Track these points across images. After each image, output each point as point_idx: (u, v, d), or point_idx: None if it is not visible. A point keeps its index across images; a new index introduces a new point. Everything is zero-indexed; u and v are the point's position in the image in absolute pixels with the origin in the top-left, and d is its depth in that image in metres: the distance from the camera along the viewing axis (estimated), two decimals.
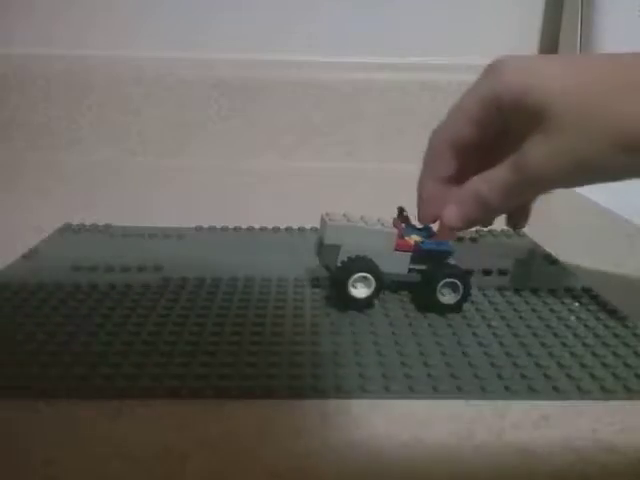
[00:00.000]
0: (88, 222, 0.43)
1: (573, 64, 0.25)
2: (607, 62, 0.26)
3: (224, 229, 0.43)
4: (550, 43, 0.69)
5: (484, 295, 0.33)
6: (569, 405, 0.23)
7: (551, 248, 0.41)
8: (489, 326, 0.29)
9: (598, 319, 0.30)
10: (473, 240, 0.42)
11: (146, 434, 0.21)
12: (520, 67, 0.26)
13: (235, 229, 0.43)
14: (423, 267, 0.31)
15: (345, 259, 0.30)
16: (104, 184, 0.58)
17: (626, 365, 0.26)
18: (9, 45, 0.67)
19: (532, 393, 0.24)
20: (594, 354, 0.27)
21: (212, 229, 0.43)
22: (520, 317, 0.30)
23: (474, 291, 0.33)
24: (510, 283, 0.35)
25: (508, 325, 0.29)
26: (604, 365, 0.26)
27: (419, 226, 0.32)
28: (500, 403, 0.23)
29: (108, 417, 0.22)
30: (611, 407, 0.23)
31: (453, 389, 0.24)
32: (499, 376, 0.25)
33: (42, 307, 0.30)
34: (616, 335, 0.29)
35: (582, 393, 0.24)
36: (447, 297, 0.30)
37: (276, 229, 0.43)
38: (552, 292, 0.33)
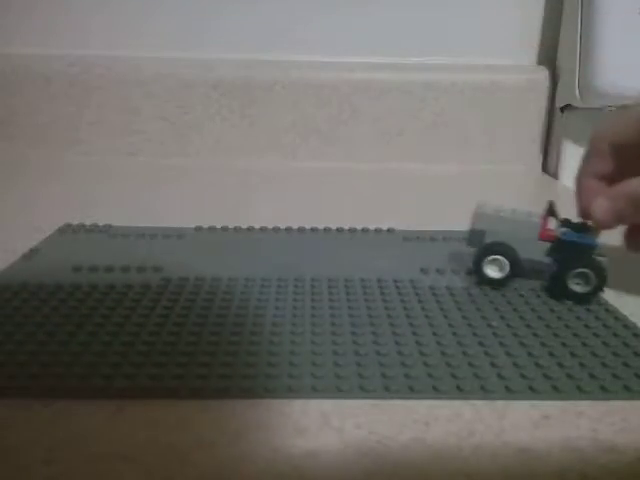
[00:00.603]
0: (88, 222, 0.43)
1: None
2: None
3: (224, 229, 0.43)
4: (550, 43, 0.69)
5: (484, 295, 0.33)
6: (569, 405, 0.23)
7: None
8: (489, 326, 0.29)
9: (598, 319, 0.30)
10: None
11: (146, 434, 0.21)
12: None
13: (235, 229, 0.43)
14: (561, 257, 0.32)
15: (487, 242, 0.33)
16: (104, 184, 0.58)
17: (626, 365, 0.26)
18: (9, 45, 0.67)
19: (532, 393, 0.24)
20: (594, 354, 0.27)
21: (212, 229, 0.43)
22: (520, 317, 0.30)
23: (474, 291, 0.33)
24: (510, 283, 0.35)
25: (508, 325, 0.29)
26: (604, 365, 0.26)
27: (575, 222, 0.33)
28: (500, 403, 0.23)
29: (108, 417, 0.22)
30: (611, 407, 0.23)
31: (453, 389, 0.24)
32: (499, 376, 0.25)
33: (42, 307, 0.30)
34: (616, 335, 0.29)
35: (582, 393, 0.24)
36: (578, 287, 0.32)
37: (276, 229, 0.43)
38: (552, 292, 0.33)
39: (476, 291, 0.33)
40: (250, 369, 0.25)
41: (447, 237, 0.42)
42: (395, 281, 0.34)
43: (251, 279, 0.34)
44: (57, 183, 0.57)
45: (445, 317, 0.30)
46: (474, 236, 0.34)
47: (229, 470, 0.20)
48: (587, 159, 0.31)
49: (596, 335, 0.29)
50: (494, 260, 0.33)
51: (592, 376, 0.25)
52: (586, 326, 0.29)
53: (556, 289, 0.32)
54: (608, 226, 0.30)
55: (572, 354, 0.27)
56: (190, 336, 0.27)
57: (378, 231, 0.44)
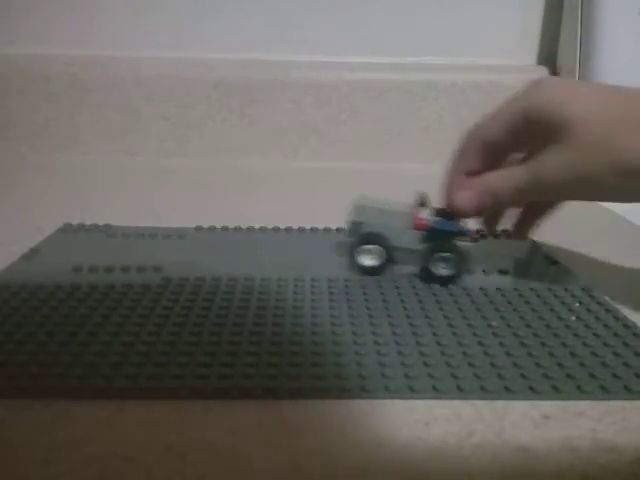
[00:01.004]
0: (88, 222, 0.43)
1: (601, 94, 0.29)
2: (629, 97, 0.28)
3: (224, 229, 0.43)
4: (550, 43, 0.69)
5: (484, 295, 0.33)
6: (569, 405, 0.23)
7: (551, 248, 0.41)
8: (489, 326, 0.29)
9: (598, 319, 0.30)
10: (473, 240, 0.42)
11: (146, 434, 0.21)
12: (559, 87, 0.29)
13: (235, 229, 0.43)
14: (432, 243, 0.34)
15: (363, 233, 0.35)
16: (104, 184, 0.58)
17: (626, 365, 0.26)
18: (9, 45, 0.67)
19: (532, 393, 0.24)
20: (594, 354, 0.27)
21: (212, 229, 0.43)
22: (520, 317, 0.30)
23: (474, 291, 0.33)
24: (510, 283, 0.35)
25: (508, 325, 0.29)
26: (604, 365, 0.26)
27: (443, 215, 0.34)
28: (500, 403, 0.23)
29: (108, 417, 0.22)
30: (611, 407, 0.23)
31: (453, 389, 0.24)
32: (499, 376, 0.25)
33: (42, 307, 0.30)
34: (616, 335, 0.29)
35: (582, 393, 0.24)
36: (440, 270, 0.34)
37: (276, 229, 0.43)
38: (552, 292, 0.33)
39: (476, 291, 0.33)
40: (250, 369, 0.25)
41: None
42: (395, 281, 0.34)
43: (251, 279, 0.34)
44: (57, 183, 0.57)
45: (445, 317, 0.30)
46: (353, 228, 0.35)
47: (229, 470, 0.20)
48: (458, 157, 0.33)
49: (596, 335, 0.29)
50: (368, 249, 0.35)
51: (592, 376, 0.25)
52: (586, 326, 0.29)
53: (423, 273, 0.34)
54: (471, 215, 0.32)
55: (572, 354, 0.27)
56: (190, 336, 0.27)
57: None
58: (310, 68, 0.66)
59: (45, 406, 0.22)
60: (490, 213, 0.35)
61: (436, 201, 0.35)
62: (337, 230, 0.43)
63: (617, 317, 0.31)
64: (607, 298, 0.33)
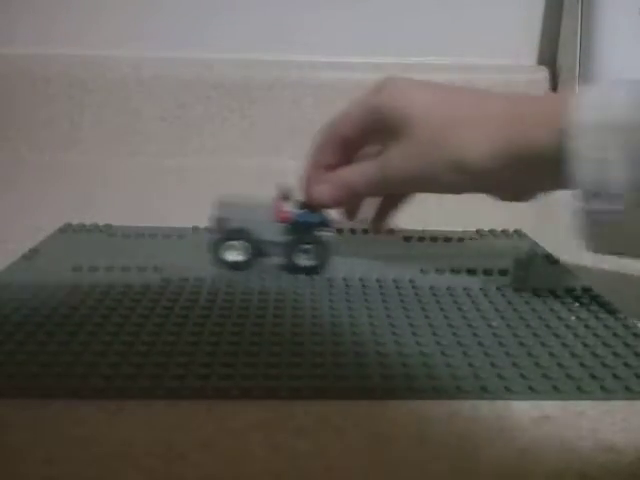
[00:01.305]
0: (88, 222, 0.43)
1: (437, 94, 0.31)
2: (461, 97, 0.31)
3: None
4: (550, 43, 0.69)
5: (484, 295, 0.33)
6: (569, 405, 0.23)
7: (551, 248, 0.41)
8: (489, 326, 0.29)
9: (598, 319, 0.30)
10: (473, 240, 0.42)
11: (146, 434, 0.21)
12: (398, 88, 0.32)
13: None
14: (295, 235, 0.35)
15: (228, 229, 0.35)
16: (104, 184, 0.58)
17: (626, 365, 0.26)
18: (9, 45, 0.67)
19: (532, 393, 0.24)
20: (594, 354, 0.27)
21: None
22: (520, 317, 0.30)
23: (475, 291, 0.33)
24: (510, 283, 0.35)
25: (508, 325, 0.29)
26: (604, 365, 0.26)
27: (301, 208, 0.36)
28: (500, 403, 0.23)
29: (108, 417, 0.22)
30: (611, 407, 0.23)
31: (453, 389, 0.24)
32: (499, 376, 0.25)
33: (42, 307, 0.30)
34: (616, 335, 0.29)
35: (582, 393, 0.24)
36: (305, 261, 0.35)
37: None
38: (552, 292, 0.33)
39: (476, 291, 0.33)
40: (250, 369, 0.25)
41: (448, 237, 0.42)
42: (395, 281, 0.34)
43: (251, 279, 0.34)
44: (57, 183, 0.57)
45: (445, 317, 0.30)
46: (218, 224, 0.36)
47: (229, 470, 0.20)
48: (315, 152, 0.35)
49: (596, 335, 0.29)
50: (232, 245, 0.35)
51: (592, 376, 0.25)
52: (586, 326, 0.29)
53: (288, 265, 0.35)
54: (329, 207, 0.34)
55: (572, 354, 0.27)
56: (190, 336, 0.27)
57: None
58: (310, 68, 0.66)
59: (45, 406, 0.22)
60: (348, 204, 0.37)
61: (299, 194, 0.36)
62: (337, 230, 0.43)
63: (617, 317, 0.31)
64: (607, 298, 0.33)
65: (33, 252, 0.38)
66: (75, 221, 0.44)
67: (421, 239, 0.42)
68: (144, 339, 0.27)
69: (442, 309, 0.31)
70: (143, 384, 0.23)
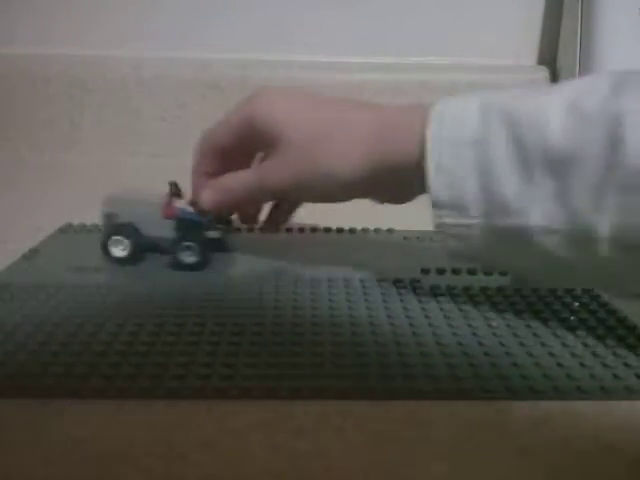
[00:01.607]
0: (88, 222, 0.43)
1: (304, 106, 0.33)
2: (327, 110, 0.33)
3: None
4: (550, 43, 0.69)
5: (485, 295, 0.33)
6: (569, 405, 0.23)
7: None
8: (489, 326, 0.29)
9: (598, 319, 0.30)
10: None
11: (146, 434, 0.21)
12: (269, 101, 0.33)
13: (235, 229, 0.43)
14: (181, 232, 0.36)
15: (112, 225, 0.36)
16: (104, 184, 0.58)
17: (626, 365, 0.26)
18: (9, 45, 0.67)
19: (532, 393, 0.24)
20: (594, 354, 0.27)
21: None
22: (520, 317, 0.30)
23: (475, 291, 0.33)
24: (510, 283, 0.35)
25: (508, 325, 0.29)
26: (604, 365, 0.26)
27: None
28: (500, 403, 0.23)
29: (108, 417, 0.22)
30: (611, 407, 0.23)
31: (453, 389, 0.24)
32: (499, 376, 0.25)
33: (42, 307, 0.30)
34: (616, 335, 0.29)
35: (582, 393, 0.24)
36: (188, 258, 0.35)
37: None
38: (552, 292, 0.33)
39: (476, 291, 0.33)
40: (250, 369, 0.25)
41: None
42: (395, 281, 0.34)
43: (251, 279, 0.34)
44: (57, 183, 0.57)
45: (445, 317, 0.30)
46: (107, 219, 0.37)
47: (229, 470, 0.20)
48: (196, 159, 0.36)
49: (596, 335, 0.29)
50: (118, 240, 0.36)
51: (592, 376, 0.25)
52: (586, 326, 0.29)
53: (173, 261, 0.35)
54: (212, 212, 0.35)
55: (572, 354, 0.27)
56: (190, 336, 0.27)
57: (378, 231, 0.44)
58: (310, 68, 0.66)
59: (45, 406, 0.22)
60: (238, 210, 0.38)
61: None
62: (337, 230, 0.43)
63: (617, 318, 0.30)
64: (607, 298, 0.33)
65: (33, 252, 0.38)
66: (75, 221, 0.44)
67: (421, 239, 0.42)
68: (144, 339, 0.27)
69: (442, 309, 0.31)
70: (143, 384, 0.23)
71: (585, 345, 0.28)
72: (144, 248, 0.36)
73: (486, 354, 0.26)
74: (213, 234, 0.36)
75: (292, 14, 0.67)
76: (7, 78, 0.65)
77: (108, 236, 0.36)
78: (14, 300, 0.30)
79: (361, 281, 0.34)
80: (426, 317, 0.30)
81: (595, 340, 0.28)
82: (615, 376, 0.25)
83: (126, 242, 0.36)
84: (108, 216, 0.37)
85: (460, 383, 0.24)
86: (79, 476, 0.19)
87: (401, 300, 0.32)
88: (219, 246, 0.38)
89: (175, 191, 0.37)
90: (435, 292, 0.33)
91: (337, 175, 0.31)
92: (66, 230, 0.42)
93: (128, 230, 0.36)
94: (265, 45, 0.68)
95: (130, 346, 0.26)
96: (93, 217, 0.44)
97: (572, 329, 0.29)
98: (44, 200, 0.52)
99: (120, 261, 0.36)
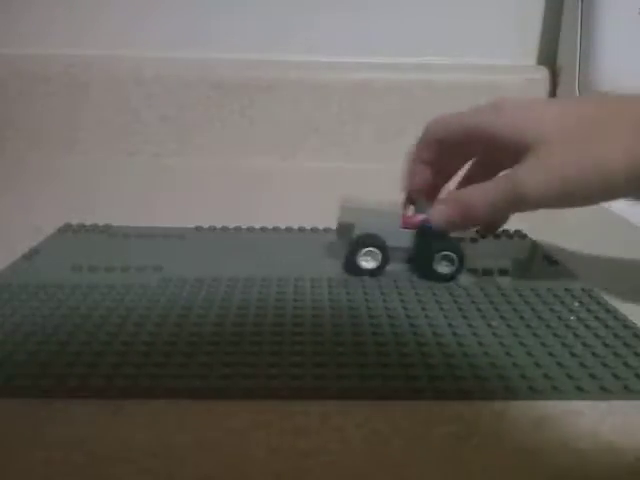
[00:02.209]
0: (88, 222, 0.43)
1: (561, 107, 0.30)
2: (585, 107, 0.30)
3: (224, 229, 0.43)
4: (550, 43, 0.69)
5: (484, 295, 0.33)
6: (569, 405, 0.23)
7: (551, 248, 0.41)
8: (489, 326, 0.29)
9: (598, 319, 0.30)
10: (473, 240, 0.42)
11: (146, 434, 0.21)
12: (520, 107, 0.31)
13: (235, 229, 0.43)
14: (425, 242, 0.35)
15: (356, 236, 0.35)
16: (104, 184, 0.58)
17: (626, 365, 0.26)
18: (9, 45, 0.67)
19: (532, 393, 0.24)
20: (594, 354, 0.27)
21: (212, 229, 0.43)
22: (520, 317, 0.30)
23: (475, 291, 0.33)
24: (510, 283, 0.35)
25: (508, 325, 0.29)
26: (604, 365, 0.26)
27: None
28: (500, 403, 0.23)
29: (108, 417, 0.22)
30: (611, 407, 0.23)
31: (453, 389, 0.24)
32: (500, 376, 0.25)
33: (42, 307, 0.30)
34: (616, 335, 0.29)
35: (582, 393, 0.24)
36: (443, 268, 0.34)
37: (276, 229, 0.43)
38: (552, 292, 0.33)
39: (476, 291, 0.33)
40: (250, 369, 0.25)
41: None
42: (395, 281, 0.34)
43: (251, 279, 0.34)
44: (57, 183, 0.57)
45: (445, 317, 0.30)
46: (342, 229, 0.36)
47: (229, 470, 0.20)
48: (418, 146, 0.34)
49: (596, 335, 0.29)
50: (368, 252, 0.34)
51: (592, 376, 0.25)
52: (586, 326, 0.29)
53: (424, 271, 0.35)
54: (444, 229, 0.33)
55: (572, 354, 0.27)
56: (190, 336, 0.27)
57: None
58: (310, 68, 0.66)
59: (45, 406, 0.22)
60: (466, 227, 0.35)
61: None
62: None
63: (617, 317, 0.31)
64: (607, 298, 0.33)
65: (33, 252, 0.38)
66: (75, 221, 0.44)
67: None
68: (144, 339, 0.27)
69: (442, 309, 0.31)
70: (143, 384, 0.23)
71: (585, 345, 0.28)
72: (390, 259, 0.35)
73: (486, 354, 0.26)
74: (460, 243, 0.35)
75: (292, 14, 0.67)
76: (7, 78, 0.65)
77: (357, 248, 0.34)
78: (14, 300, 0.30)
79: (361, 281, 0.34)
80: (426, 317, 0.30)
81: (595, 340, 0.28)
82: (615, 376, 0.25)
83: (376, 253, 0.34)
84: (345, 227, 0.36)
85: (460, 383, 0.24)
86: (79, 476, 0.19)
87: (401, 300, 0.32)
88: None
89: (411, 200, 0.36)
90: (435, 292, 0.33)
91: (613, 164, 0.27)
92: (66, 230, 0.42)
93: (376, 241, 0.35)
94: (265, 45, 0.68)
95: (130, 346, 0.26)
96: (93, 217, 0.44)
97: (572, 329, 0.29)
98: (44, 200, 0.52)
99: (367, 272, 0.35)
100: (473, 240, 0.42)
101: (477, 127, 0.31)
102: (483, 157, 0.35)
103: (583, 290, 0.34)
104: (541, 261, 0.39)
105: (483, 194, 0.31)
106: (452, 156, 0.34)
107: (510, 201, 0.30)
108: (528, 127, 0.29)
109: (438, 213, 0.32)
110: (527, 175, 0.29)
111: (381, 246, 0.35)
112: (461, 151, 0.34)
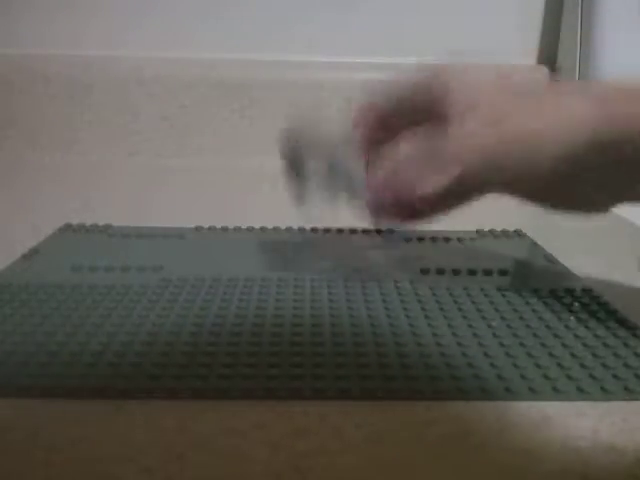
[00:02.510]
0: (88, 222, 0.43)
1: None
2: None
3: (224, 229, 0.43)
4: (550, 43, 0.69)
5: (484, 295, 0.33)
6: (569, 406, 0.23)
7: (551, 248, 0.41)
8: (489, 326, 0.29)
9: (598, 320, 0.30)
10: (473, 240, 0.42)
11: (146, 434, 0.21)
12: (459, 71, 0.30)
13: (235, 229, 0.43)
14: None
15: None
16: (104, 184, 0.58)
17: (626, 366, 0.26)
18: (9, 45, 0.67)
19: (532, 393, 0.24)
20: (594, 355, 0.27)
21: (212, 229, 0.43)
22: (520, 317, 0.30)
23: (474, 291, 0.33)
24: (510, 283, 0.35)
25: (508, 325, 0.29)
26: (604, 366, 0.26)
27: None
28: (500, 403, 0.23)
29: (107, 417, 0.22)
30: (611, 407, 0.23)
31: (453, 389, 0.24)
32: (499, 376, 0.25)
33: (42, 307, 0.30)
34: (616, 336, 0.29)
35: (582, 394, 0.24)
36: None
37: (276, 229, 0.43)
38: (552, 292, 0.33)
39: (476, 291, 0.33)
40: (250, 369, 0.25)
41: (448, 237, 0.42)
42: (395, 281, 0.34)
43: (251, 279, 0.34)
44: (57, 183, 0.57)
45: (445, 317, 0.30)
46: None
47: (229, 470, 0.20)
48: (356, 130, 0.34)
49: (596, 336, 0.29)
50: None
51: (592, 377, 0.25)
52: (586, 327, 0.29)
53: None
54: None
55: (572, 355, 0.27)
56: (190, 336, 0.27)
57: (378, 231, 0.44)
58: (310, 68, 0.66)
59: (45, 406, 0.22)
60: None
61: None
62: (338, 231, 0.43)
63: (617, 318, 0.30)
64: (607, 298, 0.33)
65: (33, 252, 0.38)
66: (75, 221, 0.44)
67: (421, 239, 0.42)
68: (143, 339, 0.27)
69: (442, 309, 0.31)
70: (143, 384, 0.23)
71: (585, 345, 0.28)
72: None
73: (486, 354, 0.26)
74: None
75: (292, 14, 0.67)
76: (7, 78, 0.65)
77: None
78: (14, 300, 0.30)
79: (361, 281, 0.34)
80: (426, 317, 0.30)
81: (595, 340, 0.28)
82: (615, 376, 0.25)
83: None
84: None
85: (460, 383, 0.24)
86: (79, 476, 0.19)
87: (401, 300, 0.32)
88: None
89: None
90: (435, 292, 0.33)
91: (549, 140, 0.25)
92: (66, 230, 0.42)
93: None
94: (265, 45, 0.68)
95: (130, 346, 0.26)
96: (92, 217, 0.44)
97: (572, 329, 0.29)
98: (44, 200, 0.52)
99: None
100: (473, 240, 0.42)
101: (424, 83, 0.31)
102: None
103: (583, 290, 0.34)
104: (541, 261, 0.39)
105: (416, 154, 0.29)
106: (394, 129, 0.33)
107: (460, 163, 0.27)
108: (461, 90, 0.28)
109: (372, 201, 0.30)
110: (468, 134, 0.27)
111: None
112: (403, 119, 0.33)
